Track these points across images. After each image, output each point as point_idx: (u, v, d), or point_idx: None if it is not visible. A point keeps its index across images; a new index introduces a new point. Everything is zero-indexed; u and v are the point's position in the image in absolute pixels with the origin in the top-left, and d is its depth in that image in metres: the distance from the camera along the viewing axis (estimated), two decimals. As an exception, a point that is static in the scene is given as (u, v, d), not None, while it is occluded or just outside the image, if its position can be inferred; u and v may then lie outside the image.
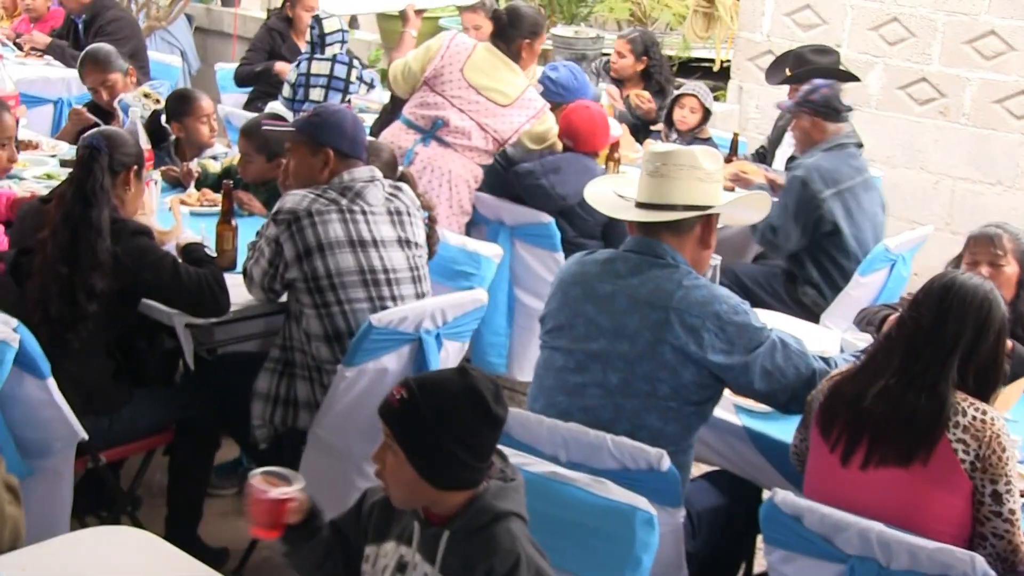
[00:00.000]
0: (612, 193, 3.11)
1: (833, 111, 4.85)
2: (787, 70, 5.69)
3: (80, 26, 7.35)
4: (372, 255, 3.56)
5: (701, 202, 2.94)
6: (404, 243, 3.66)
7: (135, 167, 3.62)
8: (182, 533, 3.70)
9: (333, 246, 3.51)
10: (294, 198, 3.53)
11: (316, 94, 6.27)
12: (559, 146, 5.17)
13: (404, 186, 3.80)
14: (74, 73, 6.81)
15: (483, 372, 2.30)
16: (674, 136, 6.22)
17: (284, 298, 3.66)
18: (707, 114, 6.16)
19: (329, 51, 6.25)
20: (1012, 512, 2.53)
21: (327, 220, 3.52)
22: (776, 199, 4.84)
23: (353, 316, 3.51)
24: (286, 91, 6.38)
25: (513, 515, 2.22)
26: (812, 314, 4.83)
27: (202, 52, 9.50)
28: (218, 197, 4.60)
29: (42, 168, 4.86)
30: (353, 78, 6.24)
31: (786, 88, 5.70)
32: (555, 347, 3.00)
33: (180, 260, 3.56)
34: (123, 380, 3.55)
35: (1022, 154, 6.16)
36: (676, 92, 6.37)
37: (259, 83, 7.17)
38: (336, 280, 3.50)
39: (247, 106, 6.92)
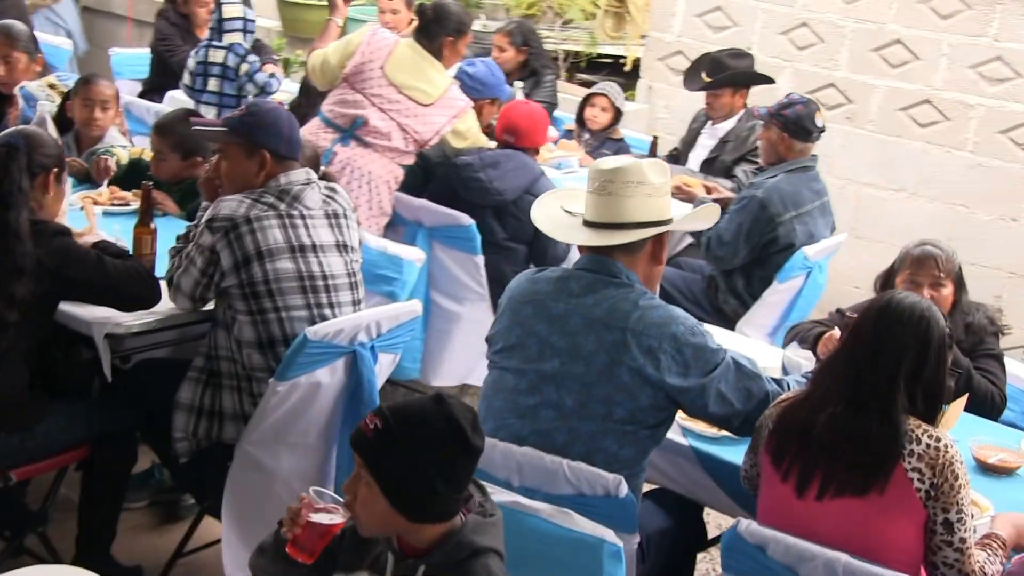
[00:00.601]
0: (559, 209, 3.03)
1: (803, 131, 4.81)
2: (704, 75, 5.69)
3: None
4: (311, 261, 3.45)
5: (652, 218, 2.89)
6: (342, 247, 3.56)
7: (55, 170, 3.44)
8: (95, 554, 3.53)
9: (273, 252, 3.38)
10: (230, 204, 3.39)
11: (213, 84, 6.07)
12: (482, 142, 5.10)
13: (339, 187, 3.69)
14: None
15: (459, 400, 2.23)
16: (586, 135, 6.20)
17: (209, 305, 3.52)
18: (618, 114, 6.16)
19: (227, 38, 6.03)
20: (963, 541, 2.53)
21: (266, 226, 3.39)
22: (726, 213, 4.84)
23: (290, 323, 3.39)
24: (186, 79, 6.16)
25: (492, 551, 2.15)
26: (730, 322, 4.85)
27: (89, 34, 9.14)
28: (128, 195, 4.42)
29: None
30: (242, 72, 6.01)
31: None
32: (505, 367, 2.92)
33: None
34: (38, 393, 3.36)
35: (925, 162, 6.28)
36: (588, 91, 6.36)
37: (153, 74, 6.92)
38: (274, 286, 3.38)
39: (142, 96, 6.65)
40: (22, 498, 3.48)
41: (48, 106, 4.48)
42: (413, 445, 2.13)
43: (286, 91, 6.37)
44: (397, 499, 2.14)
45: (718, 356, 2.82)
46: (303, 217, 3.47)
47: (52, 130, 4.08)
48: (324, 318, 3.44)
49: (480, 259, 4.90)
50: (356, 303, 3.58)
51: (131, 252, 3.70)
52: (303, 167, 3.61)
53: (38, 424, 3.33)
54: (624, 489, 2.63)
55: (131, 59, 7.22)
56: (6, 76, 5.16)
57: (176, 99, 6.40)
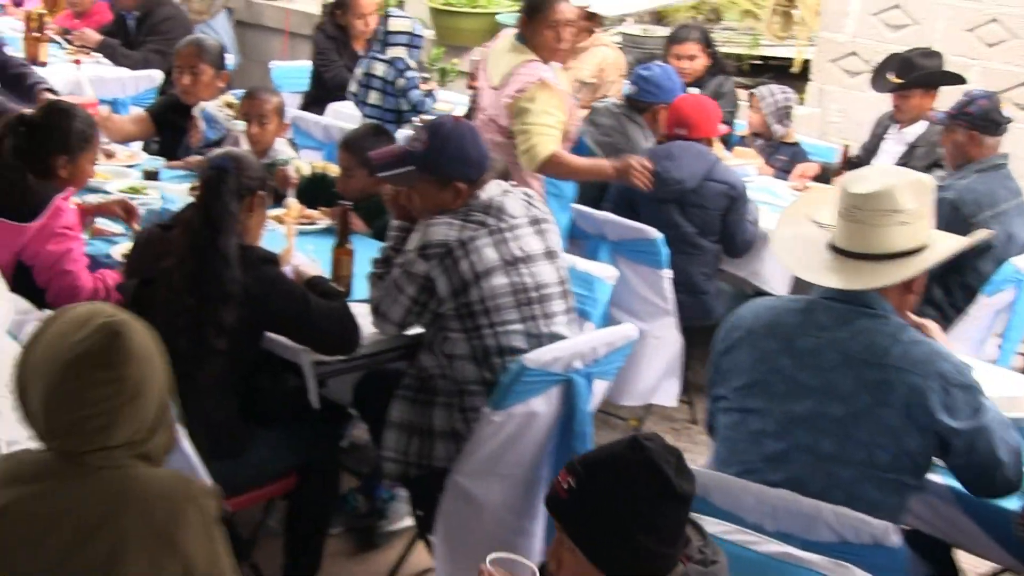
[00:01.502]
0: (806, 220, 2.82)
1: (992, 124, 4.54)
2: (892, 75, 5.41)
3: (131, 23, 7.05)
4: (523, 272, 3.33)
5: (907, 247, 2.67)
6: (549, 255, 3.43)
7: (260, 192, 3.37)
8: (302, 582, 3.47)
9: (489, 272, 3.27)
10: (440, 229, 3.27)
11: (374, 97, 6.02)
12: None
13: (533, 192, 3.56)
14: (128, 73, 6.56)
15: (660, 440, 2.01)
16: (759, 141, 5.95)
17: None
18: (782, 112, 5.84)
19: (391, 52, 5.97)
20: None
21: (480, 246, 3.27)
22: None
23: (505, 337, 3.29)
24: (353, 87, 6.13)
25: None
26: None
27: (241, 47, 9.21)
28: (315, 213, 4.35)
29: (125, 181, 4.56)
30: (398, 86, 5.91)
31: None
32: (748, 408, 2.70)
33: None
34: (248, 421, 3.30)
35: None
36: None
37: (313, 87, 6.90)
38: (490, 304, 3.27)
39: (304, 109, 6.62)
40: (234, 527, 3.40)
41: (240, 125, 4.42)
42: (612, 500, 1.93)
43: (446, 102, 6.27)
44: (604, 562, 1.94)
45: (982, 397, 2.59)
46: (511, 229, 3.35)
47: (244, 147, 4.01)
48: (538, 330, 3.33)
49: (667, 273, 4.72)
50: (568, 311, 3.46)
51: (329, 274, 3.64)
52: (499, 180, 3.49)
53: (248, 452, 3.27)
54: (896, 538, 2.42)
55: (291, 72, 7.21)
56: (190, 86, 5.13)
57: (339, 112, 6.38)
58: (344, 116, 6.23)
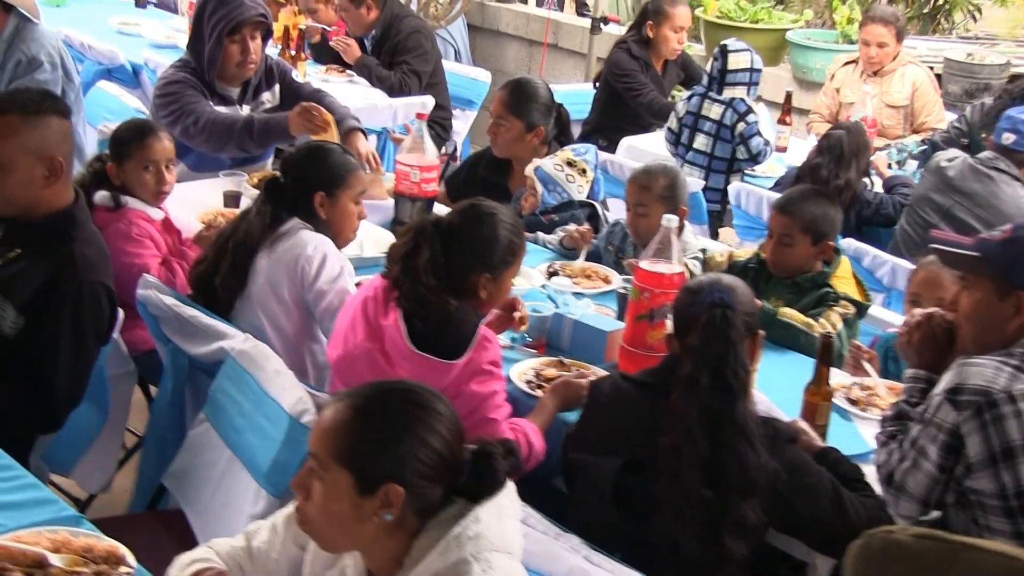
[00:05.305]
0: None
1: None
2: None
3: (368, 45, 6.33)
4: None
5: None
6: None
7: (760, 332, 2.63)
8: None
9: None
10: (984, 371, 2.50)
11: (701, 141, 5.27)
12: None
13: None
14: (398, 100, 5.85)
15: None
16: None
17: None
18: None
19: (728, 92, 5.18)
20: None
21: None
22: None
23: None
24: (673, 124, 5.41)
25: None
26: None
27: (472, 50, 8.55)
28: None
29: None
30: (736, 132, 5.11)
31: None
32: None
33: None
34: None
35: None
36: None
37: (598, 113, 6.13)
38: None
39: (583, 139, 5.81)
40: None
41: (575, 191, 3.30)
42: None
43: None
44: None
45: None
46: None
47: (677, 252, 3.11)
48: None
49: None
50: None
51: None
52: None
53: None
54: None
55: (570, 97, 6.36)
56: (494, 137, 4.44)
57: (633, 148, 5.61)
58: (645, 156, 5.43)
